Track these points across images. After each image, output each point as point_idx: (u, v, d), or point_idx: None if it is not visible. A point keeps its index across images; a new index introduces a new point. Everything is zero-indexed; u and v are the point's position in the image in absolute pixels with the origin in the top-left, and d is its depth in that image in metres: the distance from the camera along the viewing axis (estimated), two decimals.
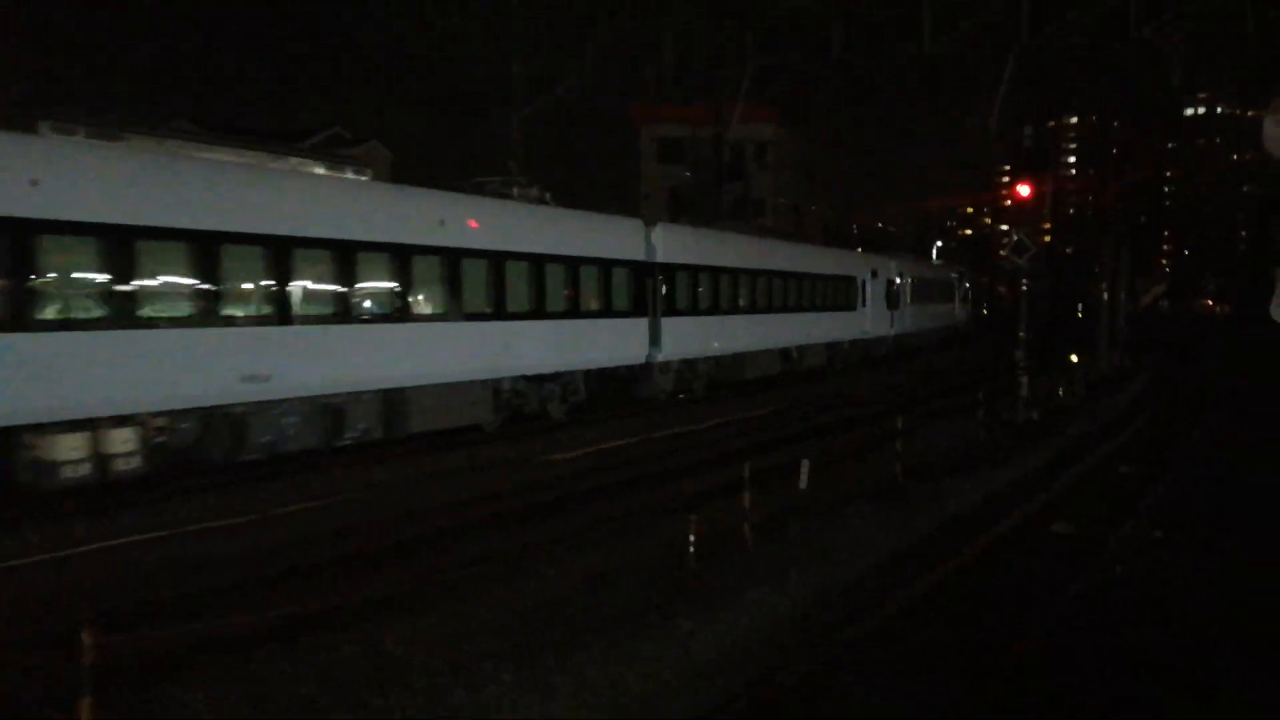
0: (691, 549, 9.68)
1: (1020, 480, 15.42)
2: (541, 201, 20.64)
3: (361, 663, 7.38)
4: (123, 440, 12.53)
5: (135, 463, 12.64)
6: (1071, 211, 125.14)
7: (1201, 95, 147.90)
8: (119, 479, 12.61)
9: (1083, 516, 12.36)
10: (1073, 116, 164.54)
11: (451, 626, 8.16)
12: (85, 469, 12.15)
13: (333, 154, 16.25)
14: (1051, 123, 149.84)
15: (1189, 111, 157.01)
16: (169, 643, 7.29)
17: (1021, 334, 23.76)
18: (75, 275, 12.06)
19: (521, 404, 19.74)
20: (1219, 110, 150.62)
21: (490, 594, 8.92)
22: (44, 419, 11.75)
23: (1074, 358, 31.65)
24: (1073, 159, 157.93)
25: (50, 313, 11.70)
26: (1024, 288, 25.55)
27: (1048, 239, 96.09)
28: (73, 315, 11.92)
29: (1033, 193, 24.01)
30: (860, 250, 43.87)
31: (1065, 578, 9.67)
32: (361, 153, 43.05)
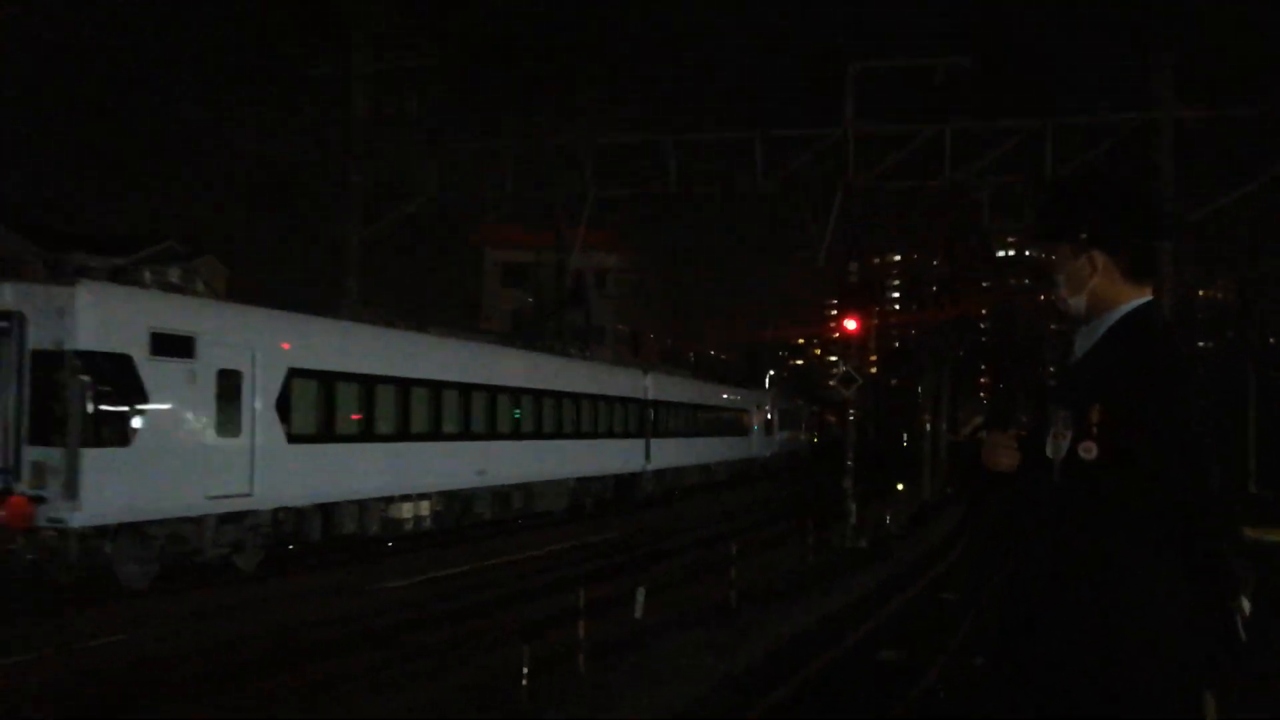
0: (525, 681, 9.47)
1: (849, 606, 15.70)
2: (584, 357, 30.95)
3: None
4: (426, 508, 20.52)
5: (426, 523, 20.69)
6: (896, 345, 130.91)
7: (1010, 240, 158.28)
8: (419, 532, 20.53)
9: (909, 643, 12.63)
10: (896, 254, 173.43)
11: None
12: (409, 525, 20.14)
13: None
14: (876, 259, 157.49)
15: (1000, 253, 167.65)
16: None
17: (849, 461, 24.47)
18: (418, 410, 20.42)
19: (580, 499, 27.51)
20: (1026, 253, 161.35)
21: None
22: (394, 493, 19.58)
23: (900, 486, 32.73)
24: (896, 294, 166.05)
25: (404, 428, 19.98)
26: (850, 417, 26.42)
27: (874, 370, 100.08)
28: (412, 431, 20.15)
29: (859, 327, 25.05)
30: (748, 387, 54.89)
31: (890, 705, 9.82)
32: (196, 268, 41.83)
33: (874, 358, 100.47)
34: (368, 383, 18.89)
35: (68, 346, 13.29)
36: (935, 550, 23.17)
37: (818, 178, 21.89)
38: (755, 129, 21.62)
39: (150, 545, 14.35)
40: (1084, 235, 2.65)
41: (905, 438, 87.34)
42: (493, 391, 23.11)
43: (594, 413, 28.20)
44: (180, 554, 15.11)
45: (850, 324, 24.95)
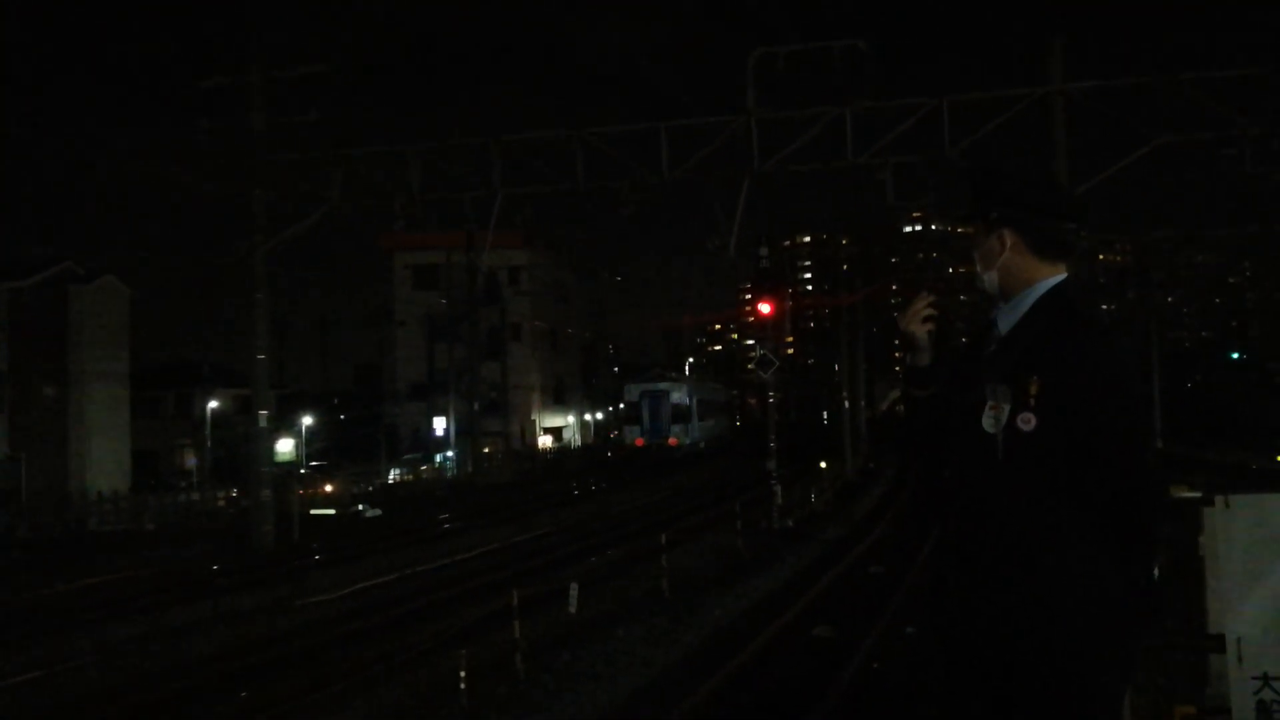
0: (463, 685, 9.42)
1: (780, 586, 15.89)
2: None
3: None
4: None
5: None
6: (811, 324, 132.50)
7: (915, 215, 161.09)
8: None
9: (841, 618, 12.83)
10: (806, 236, 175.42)
11: None
12: None
13: None
14: (787, 242, 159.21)
15: (907, 229, 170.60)
16: None
17: (772, 443, 24.73)
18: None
19: None
20: (933, 227, 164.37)
21: None
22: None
23: (823, 464, 33.17)
24: (809, 275, 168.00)
25: None
26: (770, 399, 26.70)
27: (791, 351, 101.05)
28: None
29: (773, 310, 25.30)
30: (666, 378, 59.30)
31: (828, 679, 9.97)
32: (96, 289, 40.70)
33: (790, 339, 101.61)
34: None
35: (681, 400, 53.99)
36: (861, 525, 23.54)
37: (724, 166, 22.04)
38: (659, 121, 21.69)
39: None
40: (993, 215, 2.71)
41: (825, 416, 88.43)
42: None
43: None
44: None
45: (765, 308, 25.20)
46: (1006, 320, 2.70)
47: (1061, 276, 2.69)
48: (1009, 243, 2.70)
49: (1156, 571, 2.60)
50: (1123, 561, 2.51)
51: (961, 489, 2.66)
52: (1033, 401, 2.50)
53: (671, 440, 52.57)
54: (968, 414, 2.62)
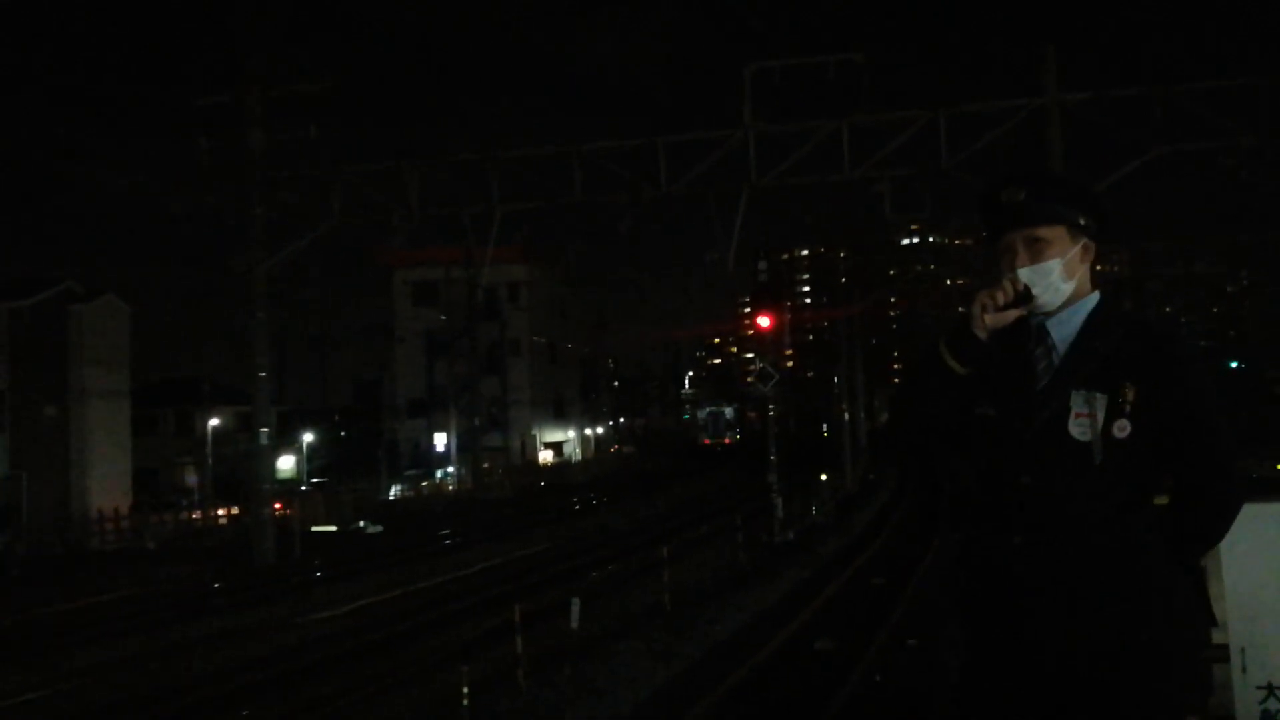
0: (466, 701, 9.41)
1: (782, 599, 15.87)
2: None
3: None
4: None
5: None
6: (811, 337, 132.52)
7: (913, 227, 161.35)
8: None
9: (843, 631, 12.81)
10: (804, 249, 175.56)
11: None
12: None
13: None
14: (785, 255, 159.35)
15: (904, 241, 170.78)
16: None
17: (772, 456, 24.72)
18: None
19: None
20: (930, 240, 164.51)
21: None
22: None
23: (823, 476, 33.15)
24: (807, 288, 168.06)
25: None
26: (770, 412, 26.70)
27: (790, 364, 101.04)
28: None
29: (772, 323, 25.34)
30: None
31: (830, 692, 9.96)
32: (96, 307, 40.74)
33: (790, 351, 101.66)
34: None
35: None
36: (862, 537, 23.52)
37: (722, 180, 22.10)
38: (656, 136, 21.76)
39: None
40: (1081, 221, 2.69)
41: (825, 428, 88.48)
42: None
43: None
44: None
45: (764, 321, 25.24)
46: (1062, 329, 2.66)
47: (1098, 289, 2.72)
48: (1091, 251, 2.71)
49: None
50: (1185, 568, 2.55)
51: (1032, 500, 2.56)
52: (1128, 408, 2.51)
53: (725, 439, 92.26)
54: (1044, 424, 2.57)
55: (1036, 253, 2.64)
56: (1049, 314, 2.67)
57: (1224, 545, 4.78)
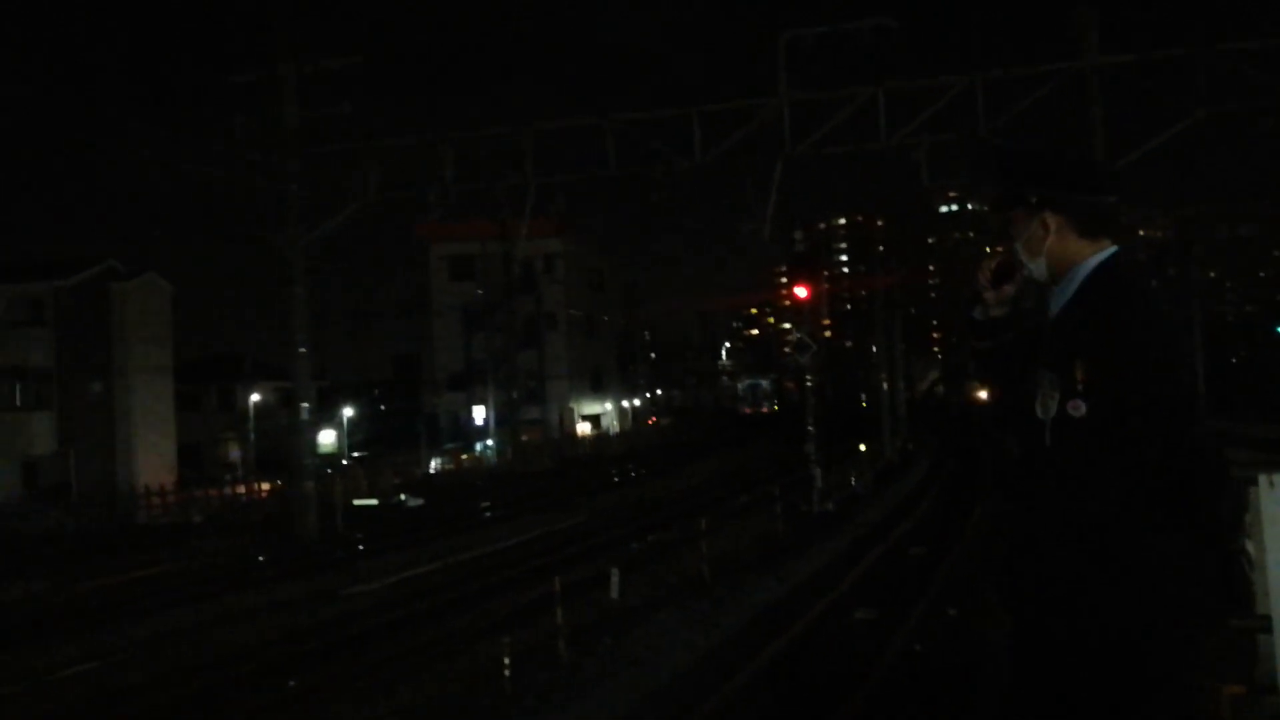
0: (507, 672, 9.51)
1: (821, 570, 15.86)
2: None
3: None
4: None
5: None
6: (848, 306, 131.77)
7: (951, 194, 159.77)
8: None
9: (882, 601, 12.80)
10: (841, 218, 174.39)
11: None
12: None
13: None
14: (822, 224, 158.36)
15: (942, 209, 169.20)
16: None
17: (810, 427, 24.65)
18: None
19: None
20: (969, 206, 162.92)
21: None
22: None
23: (862, 446, 33.05)
24: (845, 257, 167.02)
25: None
26: (808, 383, 26.61)
27: (828, 334, 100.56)
28: None
29: (810, 294, 25.19)
30: None
31: (871, 661, 9.97)
32: (138, 286, 41.26)
33: (827, 321, 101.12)
34: None
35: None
36: (901, 507, 23.44)
37: (756, 149, 21.96)
38: (691, 106, 21.64)
39: None
40: (1033, 199, 2.65)
41: (864, 398, 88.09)
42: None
43: None
44: None
45: (801, 291, 25.08)
46: (1056, 303, 2.63)
47: (1109, 251, 2.61)
48: (1052, 226, 2.63)
49: (1243, 545, 2.56)
50: (1192, 543, 2.45)
51: (1017, 476, 2.60)
52: (1080, 387, 2.42)
53: (765, 409, 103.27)
54: (1023, 402, 2.56)
55: (1014, 235, 2.72)
56: (1058, 286, 2.68)
57: (1266, 515, 4.73)
